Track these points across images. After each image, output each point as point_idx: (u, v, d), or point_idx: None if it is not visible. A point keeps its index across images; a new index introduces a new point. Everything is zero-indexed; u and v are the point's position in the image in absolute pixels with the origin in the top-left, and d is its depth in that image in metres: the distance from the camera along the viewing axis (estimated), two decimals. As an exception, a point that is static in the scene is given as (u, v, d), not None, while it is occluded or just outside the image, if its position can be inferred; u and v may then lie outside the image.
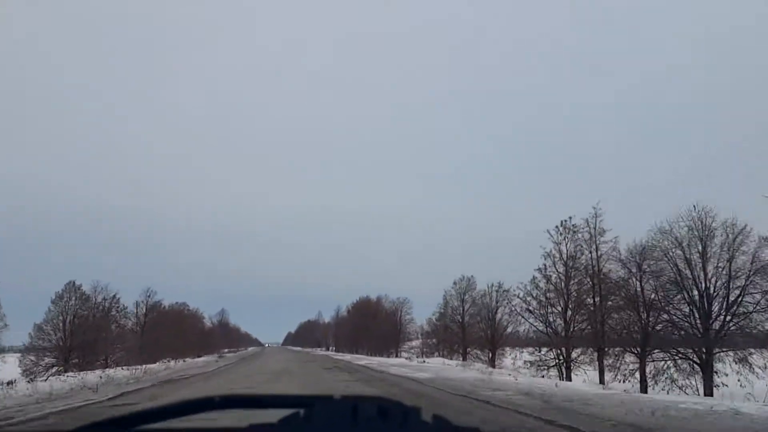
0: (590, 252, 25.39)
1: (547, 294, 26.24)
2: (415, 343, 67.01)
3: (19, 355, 39.39)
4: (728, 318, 21.31)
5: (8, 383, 18.20)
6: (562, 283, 25.91)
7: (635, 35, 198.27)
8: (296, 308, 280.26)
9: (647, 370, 22.04)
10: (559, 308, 26.07)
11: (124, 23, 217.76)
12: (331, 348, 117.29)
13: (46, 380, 21.07)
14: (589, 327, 25.33)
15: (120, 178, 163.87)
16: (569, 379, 23.88)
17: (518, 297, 28.21)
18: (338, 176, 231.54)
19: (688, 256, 21.84)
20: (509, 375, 21.36)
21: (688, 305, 22.08)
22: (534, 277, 26.82)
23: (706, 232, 21.69)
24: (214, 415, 1.22)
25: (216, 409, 1.19)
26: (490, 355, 34.33)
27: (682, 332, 21.99)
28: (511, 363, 30.86)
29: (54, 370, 35.01)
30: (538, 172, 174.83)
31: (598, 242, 25.35)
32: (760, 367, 20.75)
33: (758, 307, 20.88)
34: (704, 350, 20.96)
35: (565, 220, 26.55)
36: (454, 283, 42.35)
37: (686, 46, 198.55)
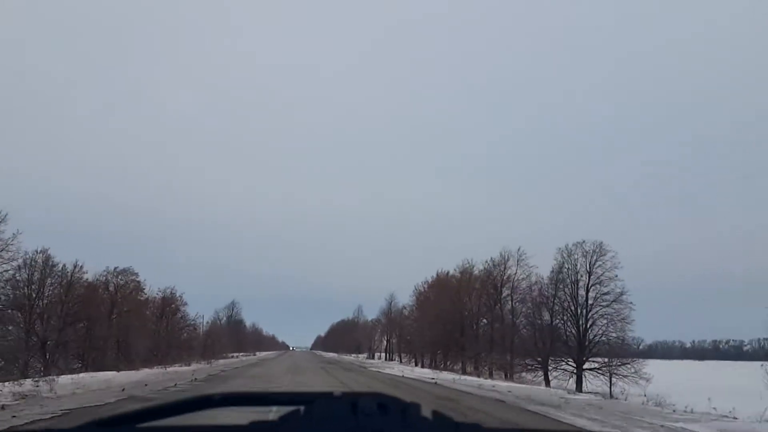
0: None
1: None
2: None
3: None
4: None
5: None
6: None
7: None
8: (328, 311, 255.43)
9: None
10: None
11: (127, 24, 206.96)
12: (377, 355, 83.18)
13: None
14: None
15: (136, 182, 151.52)
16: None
17: None
18: (360, 174, 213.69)
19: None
20: None
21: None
22: None
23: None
24: (214, 413, 1.21)
25: (216, 406, 1.18)
26: None
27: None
28: None
29: None
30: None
31: None
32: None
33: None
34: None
35: None
36: None
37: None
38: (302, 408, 1.13)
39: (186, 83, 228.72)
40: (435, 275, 50.29)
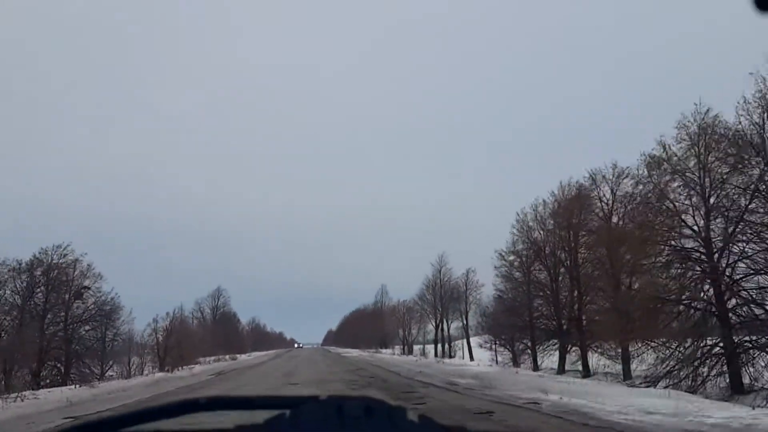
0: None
1: None
2: None
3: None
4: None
5: None
6: None
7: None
8: (341, 307, 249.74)
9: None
10: None
11: (125, 25, 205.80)
12: (416, 348, 57.97)
13: None
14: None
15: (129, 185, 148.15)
16: None
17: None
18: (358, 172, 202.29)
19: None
20: None
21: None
22: None
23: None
24: (200, 417, 1.19)
25: (201, 410, 1.16)
26: None
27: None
28: None
29: None
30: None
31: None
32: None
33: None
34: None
35: None
36: None
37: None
38: (288, 412, 1.09)
39: (183, 84, 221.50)
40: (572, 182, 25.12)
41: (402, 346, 63.52)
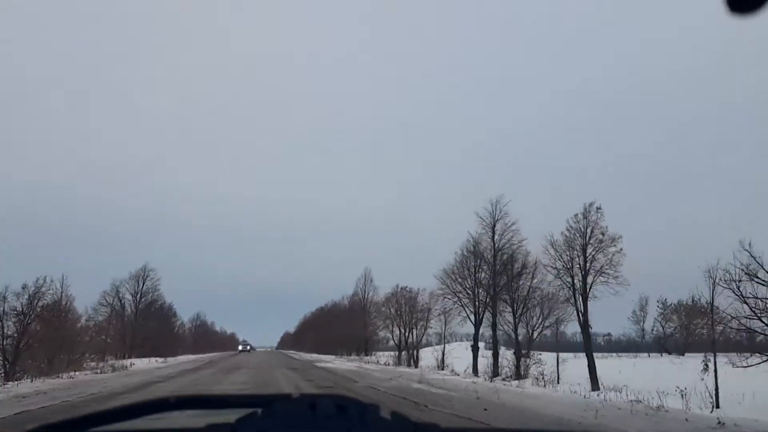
0: None
1: None
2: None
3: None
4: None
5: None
6: None
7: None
8: (296, 311, 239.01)
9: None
10: None
11: (113, 18, 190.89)
12: (442, 358, 36.75)
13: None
14: None
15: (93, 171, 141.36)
16: None
17: None
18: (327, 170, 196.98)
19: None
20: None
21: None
22: None
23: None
24: (170, 416, 1.18)
25: (172, 409, 1.16)
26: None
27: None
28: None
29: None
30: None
31: None
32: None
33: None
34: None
35: None
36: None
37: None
38: (260, 410, 1.09)
39: (164, 82, 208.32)
40: None
41: (398, 352, 43.02)
